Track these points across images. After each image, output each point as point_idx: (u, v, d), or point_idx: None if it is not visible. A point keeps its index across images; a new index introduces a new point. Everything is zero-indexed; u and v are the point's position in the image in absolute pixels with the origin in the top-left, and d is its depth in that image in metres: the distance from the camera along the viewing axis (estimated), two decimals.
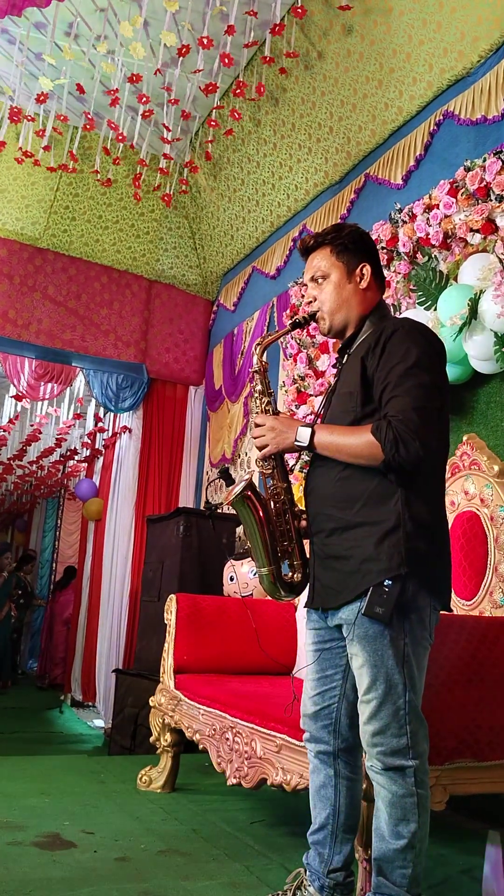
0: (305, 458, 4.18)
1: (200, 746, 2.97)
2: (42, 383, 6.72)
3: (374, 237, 3.77)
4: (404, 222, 3.60)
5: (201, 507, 6.15)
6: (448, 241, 3.39)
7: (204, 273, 6.61)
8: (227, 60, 4.19)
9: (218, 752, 2.80)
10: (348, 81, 4.32)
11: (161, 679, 3.43)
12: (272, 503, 2.02)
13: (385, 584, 1.76)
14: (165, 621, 3.47)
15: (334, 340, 2.54)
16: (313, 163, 4.88)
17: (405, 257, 3.61)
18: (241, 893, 2.19)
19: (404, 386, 1.80)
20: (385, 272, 3.74)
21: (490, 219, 3.16)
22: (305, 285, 2.13)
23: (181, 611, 3.40)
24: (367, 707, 1.81)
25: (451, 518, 2.91)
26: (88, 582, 7.49)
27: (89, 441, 8.34)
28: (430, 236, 3.43)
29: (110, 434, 7.43)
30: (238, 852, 2.56)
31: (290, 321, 2.09)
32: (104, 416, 7.67)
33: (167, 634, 3.43)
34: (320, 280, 2.04)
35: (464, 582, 2.79)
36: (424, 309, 3.42)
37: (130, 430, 6.76)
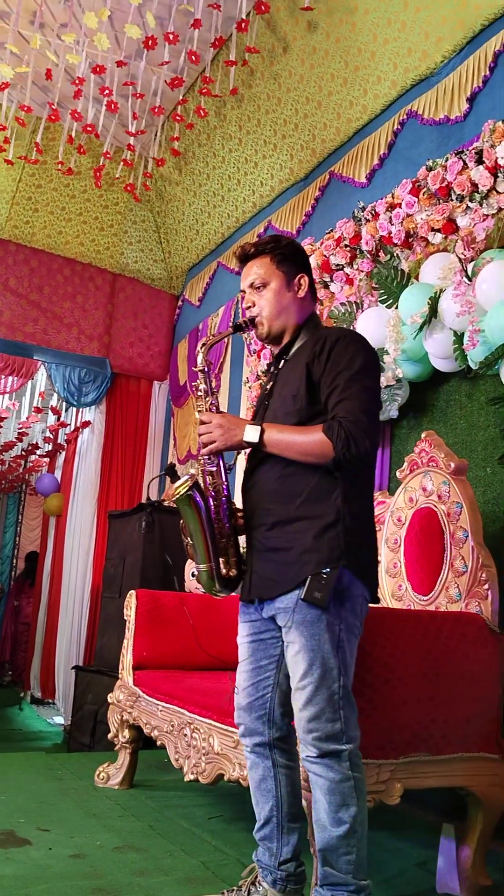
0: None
1: (159, 743, 2.97)
2: (2, 376, 6.62)
3: (337, 235, 3.80)
4: (367, 220, 3.62)
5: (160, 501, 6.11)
6: (410, 240, 3.41)
7: (169, 267, 6.58)
8: (193, 58, 4.16)
9: (176, 749, 2.79)
10: (313, 78, 4.33)
11: (120, 675, 3.41)
12: (212, 501, 2.05)
13: (323, 571, 1.85)
14: (125, 618, 3.45)
15: None
16: (278, 159, 4.88)
17: (368, 255, 3.63)
18: (197, 889, 2.19)
19: (351, 390, 1.91)
20: (348, 270, 3.77)
21: (451, 218, 3.19)
22: None
23: (141, 607, 3.39)
24: (302, 693, 1.86)
25: (409, 514, 2.93)
26: (49, 578, 7.41)
27: (51, 436, 8.24)
28: (392, 235, 3.45)
29: (72, 429, 7.35)
30: (194, 848, 2.57)
31: (232, 324, 2.16)
32: (66, 410, 7.58)
33: (126, 630, 3.41)
34: (259, 286, 2.11)
35: (421, 577, 2.82)
36: (386, 307, 3.44)
37: (92, 425, 6.69)
